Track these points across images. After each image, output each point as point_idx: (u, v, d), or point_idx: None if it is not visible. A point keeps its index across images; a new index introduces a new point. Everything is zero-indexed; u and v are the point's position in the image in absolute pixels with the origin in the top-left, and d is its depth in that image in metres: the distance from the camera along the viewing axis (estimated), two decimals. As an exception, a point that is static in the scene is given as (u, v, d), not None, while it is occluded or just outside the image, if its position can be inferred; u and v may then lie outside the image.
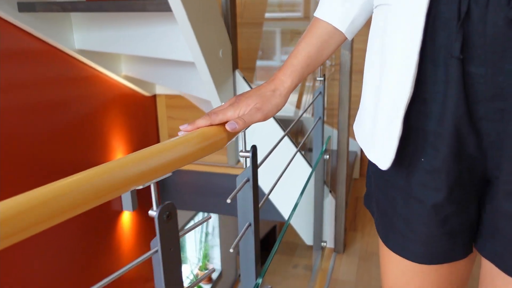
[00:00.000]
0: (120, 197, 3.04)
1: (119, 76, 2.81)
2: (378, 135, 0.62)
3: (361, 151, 2.97)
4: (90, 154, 2.70)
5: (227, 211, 3.58)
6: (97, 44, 2.36)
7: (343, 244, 2.16)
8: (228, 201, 0.84)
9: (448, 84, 0.54)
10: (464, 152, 0.57)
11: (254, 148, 0.90)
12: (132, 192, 3.04)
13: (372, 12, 0.71)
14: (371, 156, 0.65)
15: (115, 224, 3.04)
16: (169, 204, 0.65)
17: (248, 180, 0.91)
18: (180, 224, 4.23)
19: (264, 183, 1.61)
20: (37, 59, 2.24)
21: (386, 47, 0.59)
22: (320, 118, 1.82)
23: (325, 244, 2.14)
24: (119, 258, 3.10)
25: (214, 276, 4.95)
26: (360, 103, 0.72)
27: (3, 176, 2.02)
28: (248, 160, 0.90)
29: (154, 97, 3.32)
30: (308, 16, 3.49)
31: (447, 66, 0.54)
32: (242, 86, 2.10)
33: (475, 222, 0.63)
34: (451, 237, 0.62)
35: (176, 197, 3.48)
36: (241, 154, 0.89)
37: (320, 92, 1.79)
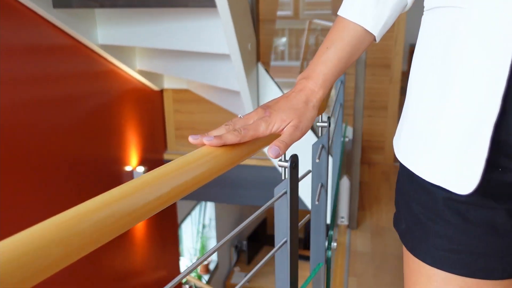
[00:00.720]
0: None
1: (133, 71, 2.93)
2: (448, 156, 0.55)
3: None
4: (101, 148, 2.82)
5: (230, 200, 3.74)
6: (120, 38, 2.49)
7: (356, 221, 2.37)
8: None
9: None
10: None
11: (294, 158, 0.76)
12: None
13: (403, 12, 0.68)
14: (437, 180, 0.57)
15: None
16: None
17: (285, 193, 0.81)
18: (182, 214, 4.36)
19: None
20: (59, 53, 2.35)
21: (459, 58, 0.53)
22: (341, 104, 2.02)
23: (343, 220, 2.34)
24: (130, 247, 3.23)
25: (212, 267, 5.10)
26: (403, 117, 0.65)
27: (21, 167, 2.12)
28: (287, 170, 0.78)
29: (161, 91, 3.45)
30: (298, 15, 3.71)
31: None
32: (264, 78, 2.28)
33: None
34: None
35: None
36: (279, 163, 0.77)
37: (342, 81, 1.99)
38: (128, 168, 3.10)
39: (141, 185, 0.46)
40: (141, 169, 3.14)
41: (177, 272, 4.14)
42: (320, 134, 1.00)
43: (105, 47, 2.56)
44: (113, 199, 0.42)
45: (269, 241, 6.46)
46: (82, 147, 2.58)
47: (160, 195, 0.47)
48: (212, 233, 5.13)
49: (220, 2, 1.69)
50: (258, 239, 6.19)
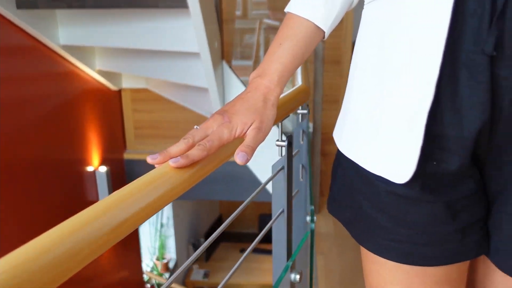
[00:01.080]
0: (96, 186, 3.16)
1: (93, 71, 2.94)
2: (387, 146, 0.57)
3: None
4: (62, 149, 2.79)
5: (195, 195, 3.82)
6: (83, 39, 2.51)
7: (318, 206, 2.55)
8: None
9: (473, 85, 0.51)
10: (480, 154, 0.57)
11: (290, 138, 0.92)
12: (108, 182, 3.17)
13: (349, 9, 0.69)
14: (378, 170, 0.59)
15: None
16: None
17: (282, 168, 0.95)
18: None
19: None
20: (20, 54, 2.34)
21: (393, 47, 0.55)
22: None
23: (307, 206, 2.52)
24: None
25: (171, 265, 5.14)
26: (344, 110, 0.67)
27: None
28: (284, 149, 0.93)
29: (119, 91, 3.46)
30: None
31: (470, 67, 0.50)
32: (229, 75, 2.40)
33: (484, 220, 0.61)
34: (463, 234, 0.60)
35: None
36: (277, 143, 0.92)
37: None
38: (90, 169, 3.09)
39: (102, 211, 0.43)
40: (103, 169, 3.15)
41: (139, 272, 4.15)
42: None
43: (66, 48, 2.56)
44: (63, 236, 0.38)
45: (226, 238, 6.58)
46: (42, 149, 2.56)
47: (124, 219, 0.44)
48: (170, 231, 5.17)
49: (191, 3, 1.79)
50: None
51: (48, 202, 2.61)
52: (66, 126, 2.83)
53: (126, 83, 3.42)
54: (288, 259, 1.05)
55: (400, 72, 0.54)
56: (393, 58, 0.55)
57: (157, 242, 5.04)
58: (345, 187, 0.68)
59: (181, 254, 5.49)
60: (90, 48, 2.84)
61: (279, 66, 0.63)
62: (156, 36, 2.30)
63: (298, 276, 1.02)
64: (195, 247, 6.00)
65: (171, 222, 5.15)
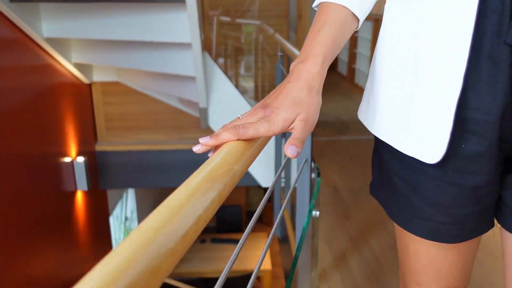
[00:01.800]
0: (74, 176, 3.24)
1: (70, 64, 3.02)
2: (420, 130, 0.62)
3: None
4: (38, 141, 2.84)
5: (165, 183, 3.97)
6: (66, 31, 2.61)
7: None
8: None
9: (497, 73, 0.56)
10: (506, 138, 0.60)
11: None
12: (86, 172, 3.26)
13: None
14: (410, 151, 0.64)
15: (71, 203, 3.23)
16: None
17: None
18: (113, 202, 4.44)
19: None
20: (7, 46, 2.40)
21: (424, 42, 0.59)
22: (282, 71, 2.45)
23: (283, 181, 2.80)
24: (77, 232, 3.30)
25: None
26: (374, 96, 0.70)
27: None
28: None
29: (90, 84, 3.54)
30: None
31: (494, 57, 0.55)
32: (210, 64, 2.62)
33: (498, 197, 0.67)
34: (482, 214, 0.66)
35: (114, 176, 3.76)
36: None
37: (281, 56, 2.43)
38: (67, 159, 3.17)
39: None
40: (81, 159, 3.23)
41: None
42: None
43: (49, 40, 2.65)
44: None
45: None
46: (19, 141, 2.58)
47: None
48: (134, 224, 5.25)
49: (189, -3, 2.01)
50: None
51: (24, 193, 2.66)
52: (42, 119, 2.89)
53: (97, 77, 3.52)
54: (310, 200, 1.32)
55: (432, 63, 0.59)
56: (425, 51, 0.59)
57: (124, 235, 5.11)
58: (382, 170, 0.74)
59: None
60: (69, 41, 2.93)
61: (322, 48, 0.61)
62: (143, 27, 2.46)
63: (318, 213, 1.29)
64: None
65: (135, 215, 5.24)
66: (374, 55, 0.71)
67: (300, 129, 0.57)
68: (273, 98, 0.59)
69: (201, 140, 0.56)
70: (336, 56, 0.64)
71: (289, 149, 0.54)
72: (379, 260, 2.15)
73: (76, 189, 3.28)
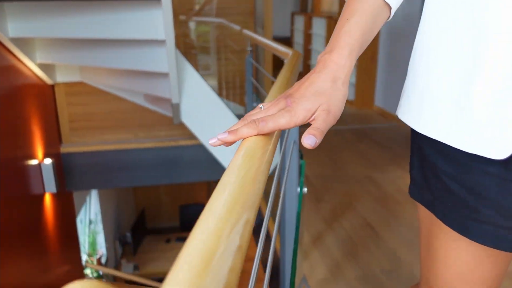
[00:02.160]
0: (41, 179, 3.18)
1: (34, 64, 2.98)
2: (482, 125, 0.57)
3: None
4: (3, 145, 2.82)
5: (133, 182, 3.98)
6: (33, 31, 2.59)
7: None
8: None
9: None
10: None
11: None
12: (54, 174, 3.22)
13: None
14: (470, 147, 0.59)
15: (40, 206, 3.18)
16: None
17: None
18: (79, 205, 4.37)
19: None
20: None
21: (478, 43, 0.56)
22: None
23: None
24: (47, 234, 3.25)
25: (103, 261, 5.17)
26: (420, 91, 0.66)
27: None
28: None
29: (53, 85, 3.49)
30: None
31: None
32: (181, 60, 2.68)
33: None
34: None
35: (80, 178, 3.72)
36: None
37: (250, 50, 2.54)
38: (34, 162, 3.12)
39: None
40: (48, 161, 3.19)
41: (80, 265, 4.17)
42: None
43: (14, 40, 2.60)
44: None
45: (150, 232, 6.71)
46: None
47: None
48: (99, 227, 5.19)
49: (163, -5, 2.07)
50: (140, 229, 6.39)
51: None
52: (7, 121, 2.84)
53: (61, 77, 3.47)
54: (299, 178, 1.43)
55: (497, 57, 0.55)
56: (488, 33, 0.55)
57: (88, 238, 5.03)
58: (425, 170, 0.69)
59: (110, 250, 5.52)
60: (33, 40, 2.89)
61: (349, 39, 0.58)
62: (112, 25, 2.49)
63: (306, 189, 1.41)
64: (122, 242, 6.04)
65: (99, 217, 5.17)
66: (413, 49, 0.68)
67: (322, 119, 0.54)
68: (296, 89, 0.57)
69: (219, 136, 0.53)
70: (365, 45, 0.61)
71: (306, 139, 0.51)
72: (353, 239, 2.31)
73: (44, 191, 3.23)
